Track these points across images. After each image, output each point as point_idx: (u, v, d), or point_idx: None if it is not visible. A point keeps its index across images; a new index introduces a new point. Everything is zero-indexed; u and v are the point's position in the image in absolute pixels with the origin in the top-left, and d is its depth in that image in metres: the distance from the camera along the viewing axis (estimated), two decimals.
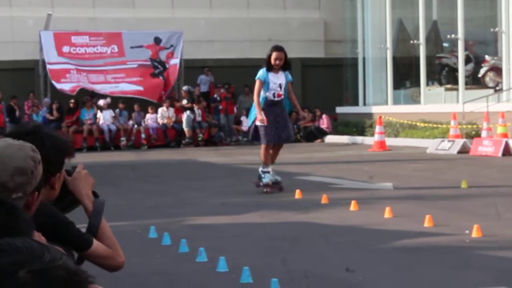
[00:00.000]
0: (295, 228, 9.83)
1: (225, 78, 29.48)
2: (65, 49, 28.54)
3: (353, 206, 11.00)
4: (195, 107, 28.04)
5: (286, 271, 7.31)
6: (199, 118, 27.97)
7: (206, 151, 24.94)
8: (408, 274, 7.20)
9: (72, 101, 27.40)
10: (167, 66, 29.51)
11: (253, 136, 13.42)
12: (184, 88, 28.84)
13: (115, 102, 28.28)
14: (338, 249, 8.37)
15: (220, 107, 29.21)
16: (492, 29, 25.32)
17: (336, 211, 11.02)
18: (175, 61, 29.46)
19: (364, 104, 29.68)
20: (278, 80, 13.03)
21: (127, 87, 28.79)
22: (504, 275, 6.98)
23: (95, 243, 3.63)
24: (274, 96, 13.01)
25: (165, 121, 27.90)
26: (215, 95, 29.68)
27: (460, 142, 20.85)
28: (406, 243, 8.61)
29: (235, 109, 29.21)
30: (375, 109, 27.84)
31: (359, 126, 27.35)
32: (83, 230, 3.67)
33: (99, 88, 28.35)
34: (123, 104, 28.19)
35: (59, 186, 3.63)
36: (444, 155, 20.07)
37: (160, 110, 28.16)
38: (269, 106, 12.96)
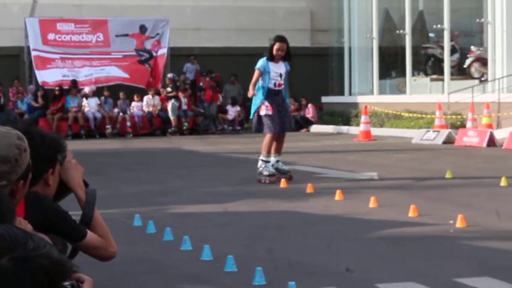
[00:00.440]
0: (280, 217, 9.84)
1: (211, 66, 29.42)
2: (50, 36, 28.41)
3: (338, 196, 11.01)
4: (181, 96, 27.98)
5: (271, 259, 7.32)
6: (185, 107, 27.91)
7: (192, 140, 24.91)
8: (392, 264, 7.22)
9: (57, 88, 27.29)
10: (153, 54, 29.42)
11: (257, 127, 13.19)
12: (169, 75, 28.77)
13: (100, 89, 28.19)
14: (323, 238, 8.38)
15: (204, 96, 29.14)
16: (477, 20, 25.37)
17: (321, 201, 11.04)
18: (162, 51, 29.38)
19: (350, 93, 29.70)
20: (279, 69, 13.00)
21: (114, 71, 28.69)
22: (487, 265, 7.01)
23: (89, 234, 3.63)
24: (275, 86, 12.98)
25: (151, 109, 27.83)
26: (201, 84, 29.63)
27: (445, 132, 20.91)
28: (391, 232, 8.64)
29: (220, 98, 29.14)
30: (360, 99, 27.86)
31: (344, 115, 27.37)
32: (77, 219, 3.67)
33: (85, 72, 28.25)
34: (108, 91, 28.10)
35: (54, 182, 3.63)
36: (429, 145, 20.12)
37: (145, 98, 28.09)
38: (271, 96, 12.93)
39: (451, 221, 8.86)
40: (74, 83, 27.64)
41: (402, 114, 24.48)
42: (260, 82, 12.92)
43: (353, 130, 25.38)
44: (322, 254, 7.62)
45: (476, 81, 24.77)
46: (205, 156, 19.18)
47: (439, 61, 26.61)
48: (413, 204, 9.61)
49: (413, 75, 27.28)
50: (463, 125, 21.80)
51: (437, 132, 21.05)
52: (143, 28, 29.34)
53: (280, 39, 13.17)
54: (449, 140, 20.41)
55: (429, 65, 27.62)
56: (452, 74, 25.65)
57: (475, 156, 17.00)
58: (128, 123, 27.47)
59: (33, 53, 27.99)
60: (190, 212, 10.32)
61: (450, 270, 6.87)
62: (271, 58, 12.97)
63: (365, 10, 29.09)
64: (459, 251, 7.68)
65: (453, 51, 25.95)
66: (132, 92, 28.32)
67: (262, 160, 12.95)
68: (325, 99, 29.84)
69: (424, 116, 23.49)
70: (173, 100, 27.71)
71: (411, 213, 9.45)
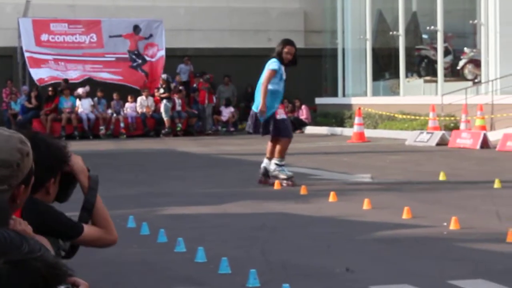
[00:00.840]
0: (274, 218, 9.83)
1: (204, 67, 29.40)
2: (44, 37, 28.37)
3: (332, 197, 11.01)
4: (175, 97, 27.95)
5: (265, 261, 7.31)
6: (178, 108, 27.89)
7: (185, 141, 24.90)
8: (386, 265, 7.22)
9: (50, 88, 27.25)
10: (146, 58, 29.38)
11: (265, 130, 12.77)
12: (163, 76, 28.74)
13: (94, 90, 28.15)
14: (317, 240, 8.38)
15: (198, 97, 29.09)
16: (471, 22, 25.40)
17: (315, 202, 11.03)
18: (161, 53, 29.35)
19: (344, 95, 29.71)
20: (285, 73, 12.96)
21: (107, 76, 28.69)
22: (481, 267, 7.01)
23: (86, 228, 3.63)
24: (283, 90, 12.95)
25: (144, 110, 27.81)
26: (194, 85, 29.61)
27: (438, 134, 20.93)
28: (384, 234, 8.64)
29: (214, 99, 29.12)
30: (354, 100, 27.87)
31: (338, 117, 27.38)
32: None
33: (77, 74, 28.21)
34: (102, 92, 28.07)
35: (54, 191, 3.63)
36: (422, 147, 20.13)
37: (139, 99, 28.07)
38: (280, 99, 12.96)
39: (445, 223, 8.86)
40: (66, 81, 27.59)
41: (396, 115, 24.50)
42: (269, 85, 12.64)
43: (346, 131, 25.39)
44: (316, 256, 7.61)
45: (470, 83, 24.81)
46: (199, 157, 19.17)
47: (433, 62, 26.64)
48: (407, 206, 9.62)
49: (406, 76, 27.30)
50: (456, 127, 21.82)
51: (430, 134, 21.07)
52: (136, 28, 29.32)
53: (290, 42, 13.09)
54: (442, 142, 20.44)
55: (422, 66, 27.65)
56: (445, 75, 25.68)
57: (469, 158, 17.02)
58: (122, 124, 27.45)
59: (26, 54, 27.96)
60: (184, 214, 10.31)
61: (444, 272, 6.87)
62: (281, 61, 12.83)
63: (358, 12, 29.11)
64: (453, 253, 7.68)
65: (446, 52, 25.98)
66: (126, 93, 28.30)
67: (277, 164, 12.68)
68: (318, 100, 29.85)
69: (417, 117, 23.51)
70: (165, 101, 27.68)
71: (405, 215, 9.45)
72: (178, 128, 27.65)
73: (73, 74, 28.20)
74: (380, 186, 12.62)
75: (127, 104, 28.05)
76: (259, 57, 31.27)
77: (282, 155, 12.73)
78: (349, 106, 27.52)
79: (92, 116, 27.24)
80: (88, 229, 3.66)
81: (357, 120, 23.37)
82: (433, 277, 6.73)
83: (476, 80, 25.09)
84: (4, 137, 3.03)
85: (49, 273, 1.68)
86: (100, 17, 29.44)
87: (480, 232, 8.59)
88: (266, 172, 12.79)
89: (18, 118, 27.25)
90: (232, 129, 28.83)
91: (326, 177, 14.11)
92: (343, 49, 30.03)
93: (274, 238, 8.53)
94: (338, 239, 8.43)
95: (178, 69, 30.15)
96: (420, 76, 27.62)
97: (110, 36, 29.07)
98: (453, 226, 8.66)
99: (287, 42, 13.06)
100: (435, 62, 26.01)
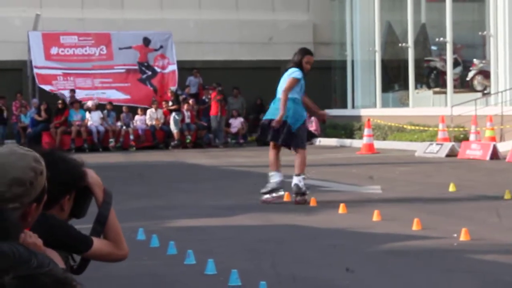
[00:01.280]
0: (284, 231, 9.82)
1: (214, 79, 29.45)
2: (53, 50, 28.46)
3: (341, 209, 11.00)
4: (184, 109, 27.97)
5: (275, 274, 7.30)
6: (188, 120, 27.91)
7: (195, 153, 24.91)
8: (395, 278, 7.20)
9: (60, 101, 27.32)
10: (157, 70, 29.45)
11: (288, 141, 12.25)
12: (172, 88, 28.79)
13: (103, 103, 28.22)
14: (326, 252, 8.36)
15: (210, 108, 29.04)
16: (480, 33, 25.40)
17: (324, 214, 11.02)
18: (172, 67, 29.43)
19: (353, 106, 29.71)
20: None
21: (114, 95, 28.74)
22: (491, 278, 6.99)
23: (96, 242, 3.64)
24: (302, 99, 12.50)
25: (154, 122, 27.85)
26: (204, 97, 29.64)
27: (448, 145, 20.89)
28: (394, 246, 8.62)
29: (225, 111, 29.13)
30: (363, 112, 27.86)
31: (347, 128, 27.38)
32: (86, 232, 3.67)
33: (85, 94, 28.34)
34: (111, 105, 28.13)
35: (68, 208, 3.65)
36: (432, 158, 20.10)
37: (148, 111, 28.12)
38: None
39: (455, 235, 8.83)
40: (73, 92, 27.73)
41: (405, 127, 24.48)
42: (291, 94, 12.18)
43: (356, 143, 25.37)
44: (326, 268, 7.60)
45: (479, 94, 24.79)
46: (208, 169, 19.17)
47: (442, 74, 26.63)
48: (417, 218, 9.59)
49: (416, 88, 27.30)
50: (466, 138, 21.79)
51: (440, 145, 21.04)
52: (146, 40, 29.40)
53: (309, 52, 12.67)
54: (452, 153, 20.40)
55: (431, 78, 27.65)
56: (455, 87, 25.67)
57: (479, 169, 16.97)
58: (131, 137, 27.49)
59: (35, 70, 28.06)
60: (194, 226, 10.31)
61: (455, 283, 6.85)
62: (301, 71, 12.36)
63: (367, 23, 29.14)
64: (463, 264, 7.66)
65: (455, 64, 25.97)
66: (136, 105, 28.40)
67: (303, 179, 12.14)
68: (328, 112, 29.81)
69: (427, 129, 23.48)
70: (174, 114, 27.71)
71: (415, 226, 9.43)
72: (188, 141, 27.67)
73: (81, 93, 28.28)
74: (389, 197, 12.59)
75: (136, 117, 28.10)
76: (268, 69, 31.50)
77: (303, 168, 12.24)
78: (358, 118, 27.51)
79: (101, 128, 27.29)
80: (99, 243, 3.67)
81: (366, 131, 23.36)
82: None
83: (485, 91, 25.06)
84: (19, 155, 3.04)
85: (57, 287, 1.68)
86: (109, 30, 29.54)
87: (489, 243, 8.57)
88: (299, 190, 12.15)
89: (28, 131, 27.32)
90: (241, 141, 28.84)
91: (336, 188, 14.09)
92: (352, 61, 30.05)
93: (284, 250, 8.52)
94: (348, 251, 8.42)
95: (188, 81, 30.21)
96: (429, 87, 27.61)
97: (120, 48, 29.16)
98: (463, 237, 8.64)
99: (306, 52, 12.61)
100: (444, 73, 26.00)
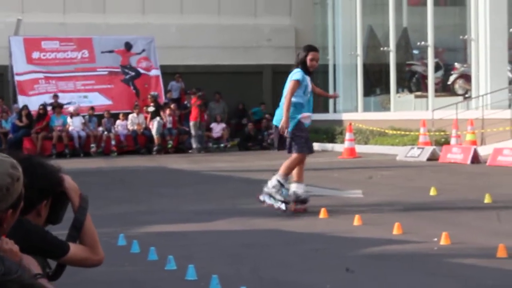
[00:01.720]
0: (265, 235, 9.81)
1: (196, 84, 29.42)
2: (35, 55, 28.36)
3: (322, 214, 11.00)
4: (166, 113, 27.91)
5: (256, 278, 7.29)
6: (169, 125, 27.86)
7: (176, 158, 24.87)
8: (376, 282, 7.21)
9: (41, 107, 27.21)
10: (140, 71, 29.42)
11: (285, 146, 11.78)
12: (152, 93, 28.74)
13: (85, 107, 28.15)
14: (308, 257, 8.36)
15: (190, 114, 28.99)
16: (461, 37, 25.49)
17: (305, 219, 11.02)
18: (156, 72, 29.41)
19: (334, 111, 29.74)
20: (310, 83, 11.88)
21: (97, 99, 28.65)
22: (471, 283, 7.00)
23: (72, 248, 3.64)
24: (310, 103, 11.94)
25: (135, 127, 27.79)
26: (185, 102, 29.60)
27: (429, 149, 20.95)
28: (375, 250, 8.62)
29: (205, 116, 29.10)
30: (345, 116, 27.91)
31: (329, 133, 27.40)
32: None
33: (68, 98, 28.24)
34: (93, 110, 28.05)
35: (45, 214, 3.65)
36: (413, 162, 20.15)
37: (130, 116, 28.06)
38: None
39: (436, 239, 8.85)
40: (56, 97, 27.62)
41: (387, 131, 24.53)
42: (293, 97, 11.52)
43: (337, 147, 25.40)
44: (307, 273, 7.60)
45: (460, 98, 24.87)
46: (189, 174, 19.15)
47: (423, 77, 26.71)
48: (398, 222, 9.61)
49: (397, 92, 27.36)
50: (447, 142, 21.86)
51: (421, 149, 21.10)
52: (128, 45, 29.35)
53: (313, 48, 11.96)
54: (433, 157, 20.46)
55: (413, 82, 27.73)
56: (436, 90, 25.75)
57: (460, 173, 17.03)
58: (113, 142, 27.41)
59: (16, 78, 27.93)
60: (175, 231, 10.28)
61: (433, 287, 6.86)
62: (305, 70, 11.75)
63: (349, 27, 29.20)
64: (444, 268, 7.67)
65: (437, 67, 26.06)
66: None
67: (279, 182, 11.49)
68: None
69: (408, 133, 23.55)
70: (158, 119, 27.68)
71: (396, 230, 9.45)
72: (169, 145, 27.62)
73: (64, 97, 28.17)
74: (371, 201, 12.61)
75: (118, 122, 28.03)
76: (250, 73, 31.52)
77: (288, 173, 11.63)
78: (340, 122, 27.55)
79: (83, 133, 27.20)
80: (75, 248, 3.66)
81: (348, 135, 23.39)
82: None
83: (466, 95, 25.15)
84: None
85: None
86: (91, 34, 29.48)
87: (470, 247, 8.59)
88: (297, 198, 11.65)
89: (8, 137, 27.19)
90: (222, 145, 28.82)
91: (317, 193, 14.09)
92: (334, 65, 30.11)
93: (265, 255, 8.52)
94: (329, 256, 8.42)
95: (170, 86, 30.17)
96: (410, 91, 27.69)
97: (102, 52, 29.10)
98: (443, 241, 8.66)
99: (310, 48, 11.89)
100: (426, 77, 26.08)
